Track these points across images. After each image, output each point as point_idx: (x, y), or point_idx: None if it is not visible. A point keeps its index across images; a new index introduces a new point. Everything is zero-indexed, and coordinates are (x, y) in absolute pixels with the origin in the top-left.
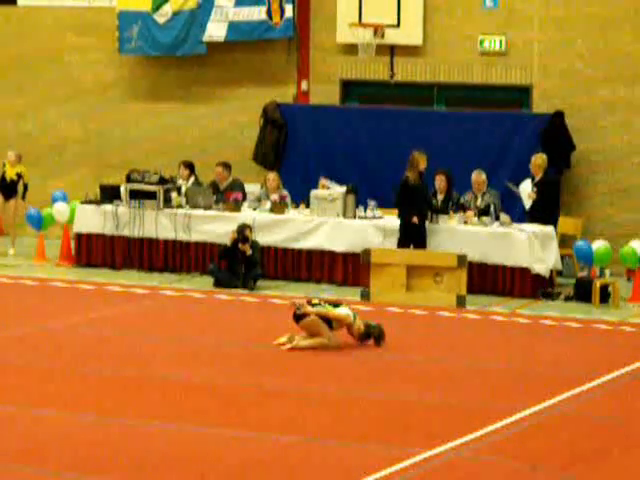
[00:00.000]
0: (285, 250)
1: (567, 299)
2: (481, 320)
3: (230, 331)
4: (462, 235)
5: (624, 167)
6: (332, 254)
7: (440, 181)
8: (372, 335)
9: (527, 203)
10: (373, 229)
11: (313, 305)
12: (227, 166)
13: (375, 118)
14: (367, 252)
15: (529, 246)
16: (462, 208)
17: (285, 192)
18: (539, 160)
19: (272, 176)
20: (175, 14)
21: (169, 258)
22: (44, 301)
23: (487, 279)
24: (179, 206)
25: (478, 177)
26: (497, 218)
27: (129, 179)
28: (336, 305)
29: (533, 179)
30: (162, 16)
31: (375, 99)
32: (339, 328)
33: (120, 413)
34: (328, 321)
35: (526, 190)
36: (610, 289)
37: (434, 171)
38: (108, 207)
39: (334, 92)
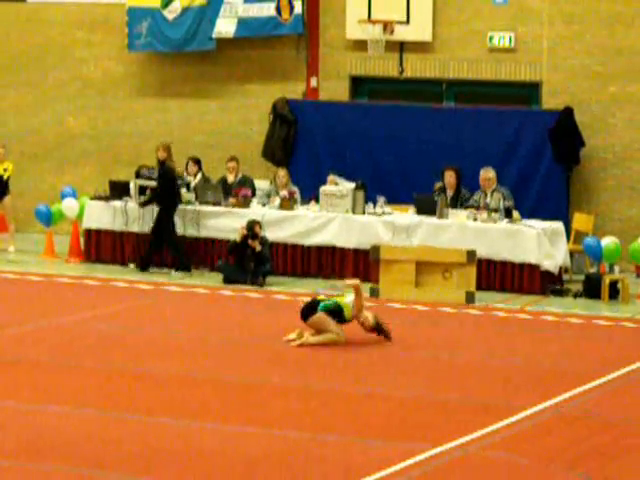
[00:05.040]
0: (294, 246)
1: (576, 295)
2: (490, 317)
3: (239, 327)
4: (471, 231)
5: (633, 163)
6: (341, 250)
7: (449, 177)
8: (382, 331)
9: None
10: (382, 225)
11: (319, 302)
12: (237, 161)
13: (384, 114)
14: (376, 248)
15: (538, 243)
16: (472, 207)
17: (294, 188)
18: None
19: (282, 173)
20: (184, 10)
21: None
22: (53, 297)
23: (496, 276)
24: (188, 202)
25: (485, 174)
26: (508, 215)
27: (138, 175)
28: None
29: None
30: (171, 12)
31: (384, 95)
32: (354, 316)
33: (126, 408)
34: (339, 314)
35: None
36: (619, 285)
37: (443, 167)
38: (117, 203)
39: (343, 88)
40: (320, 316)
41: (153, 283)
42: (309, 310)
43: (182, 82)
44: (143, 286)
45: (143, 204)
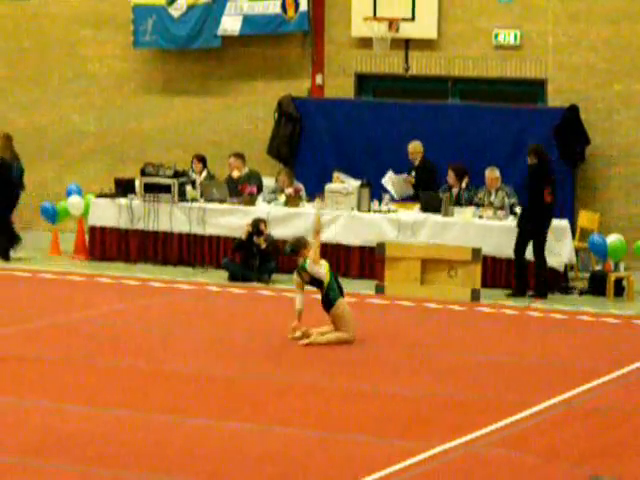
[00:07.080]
0: None
1: (581, 293)
2: (495, 314)
3: (245, 325)
4: (476, 229)
5: (639, 161)
6: (347, 248)
7: (454, 174)
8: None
9: (398, 192)
10: (388, 223)
11: (328, 291)
12: (239, 156)
13: (390, 112)
14: (382, 246)
15: None
16: (477, 205)
17: (300, 185)
18: (418, 148)
19: (282, 178)
20: (190, 8)
21: (184, 252)
22: (59, 294)
23: (501, 273)
24: (194, 199)
25: (491, 174)
26: (513, 212)
27: (144, 173)
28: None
29: (412, 166)
30: (177, 10)
31: (390, 93)
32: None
33: (136, 406)
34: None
35: (397, 178)
36: (624, 283)
37: (447, 164)
38: (123, 200)
39: (349, 86)
40: (343, 313)
41: (160, 281)
42: (327, 303)
43: (187, 79)
44: (150, 284)
45: None
